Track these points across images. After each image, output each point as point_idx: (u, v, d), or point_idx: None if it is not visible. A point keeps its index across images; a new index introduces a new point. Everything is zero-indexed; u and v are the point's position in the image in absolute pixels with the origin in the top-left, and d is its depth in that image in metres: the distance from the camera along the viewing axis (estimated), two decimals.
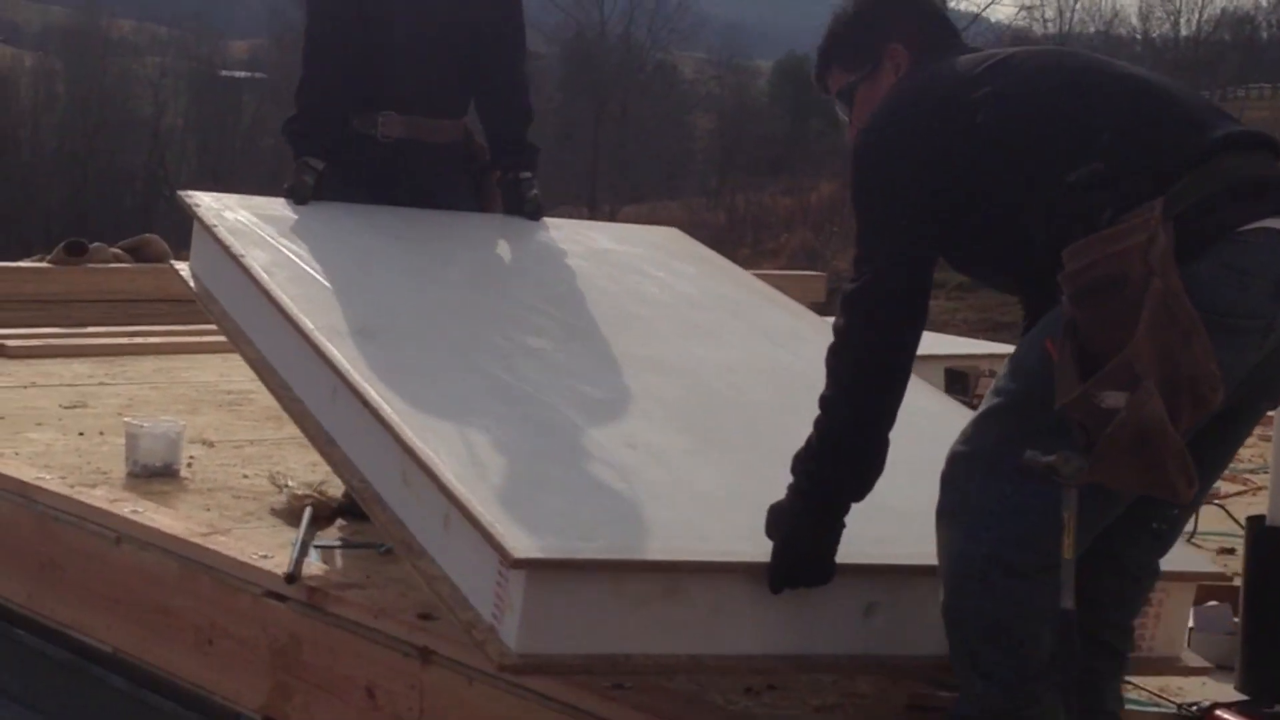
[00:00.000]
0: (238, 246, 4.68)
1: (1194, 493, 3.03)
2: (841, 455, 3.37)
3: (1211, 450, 3.30)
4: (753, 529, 3.49)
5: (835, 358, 3.38)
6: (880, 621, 3.55)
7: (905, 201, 3.38)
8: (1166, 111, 3.30)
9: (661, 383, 4.35)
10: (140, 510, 5.17)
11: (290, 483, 5.37)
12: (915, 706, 3.77)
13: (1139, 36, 56.99)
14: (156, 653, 4.95)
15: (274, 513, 5.26)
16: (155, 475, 5.68)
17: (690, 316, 4.94)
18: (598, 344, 4.55)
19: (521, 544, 3.27)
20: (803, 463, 3.41)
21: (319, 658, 4.38)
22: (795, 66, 55.33)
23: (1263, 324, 3.14)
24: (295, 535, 4.82)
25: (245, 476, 5.87)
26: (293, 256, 4.69)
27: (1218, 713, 3.88)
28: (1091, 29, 57.63)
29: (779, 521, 3.43)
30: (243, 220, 4.94)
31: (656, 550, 3.39)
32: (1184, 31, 56.64)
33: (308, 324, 4.24)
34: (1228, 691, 4.07)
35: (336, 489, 5.09)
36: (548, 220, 5.50)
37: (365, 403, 3.90)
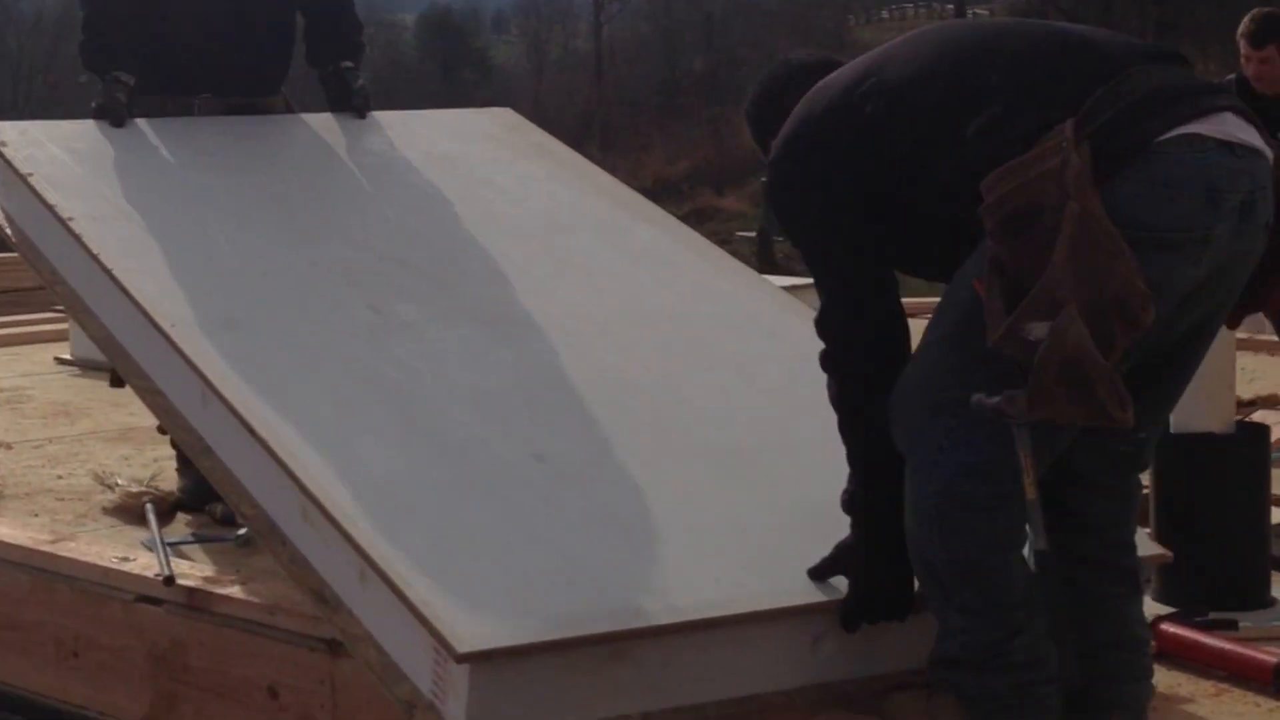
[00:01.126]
0: (64, 207, 4.33)
1: (1129, 416, 2.91)
2: (879, 475, 3.28)
3: (1172, 371, 3.28)
4: (688, 557, 3.40)
5: (833, 385, 3.33)
6: (828, 649, 3.44)
7: (830, 218, 3.29)
8: (1063, 44, 3.21)
9: (546, 352, 4.13)
10: None
11: (120, 481, 5.12)
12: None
13: None
14: (12, 670, 4.66)
15: (108, 513, 5.00)
16: None
17: (557, 247, 4.67)
18: (469, 303, 4.29)
19: (464, 635, 3.09)
20: (851, 497, 3.34)
21: (208, 661, 4.16)
22: (440, 19, 53.93)
23: (1199, 235, 3.04)
24: (148, 535, 4.58)
25: (60, 478, 5.58)
26: (123, 214, 4.38)
27: (1161, 626, 3.90)
28: None
29: (852, 562, 3.35)
30: (58, 158, 4.57)
31: (600, 616, 3.23)
32: None
33: (163, 318, 3.95)
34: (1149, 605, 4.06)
35: (168, 482, 4.97)
36: (376, 116, 5.16)
37: (248, 427, 3.66)
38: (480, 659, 3.08)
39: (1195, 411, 4.27)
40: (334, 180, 4.86)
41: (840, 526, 3.39)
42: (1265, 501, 4.37)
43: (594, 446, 3.79)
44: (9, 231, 4.62)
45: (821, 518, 3.50)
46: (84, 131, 4.79)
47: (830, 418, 3.34)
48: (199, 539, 4.62)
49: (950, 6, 40.58)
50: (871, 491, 3.31)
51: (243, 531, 4.43)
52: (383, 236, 4.53)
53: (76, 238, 4.22)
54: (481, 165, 5.06)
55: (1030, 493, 3.00)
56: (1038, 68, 3.14)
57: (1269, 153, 3.11)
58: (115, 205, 4.41)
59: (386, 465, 3.61)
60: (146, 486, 4.98)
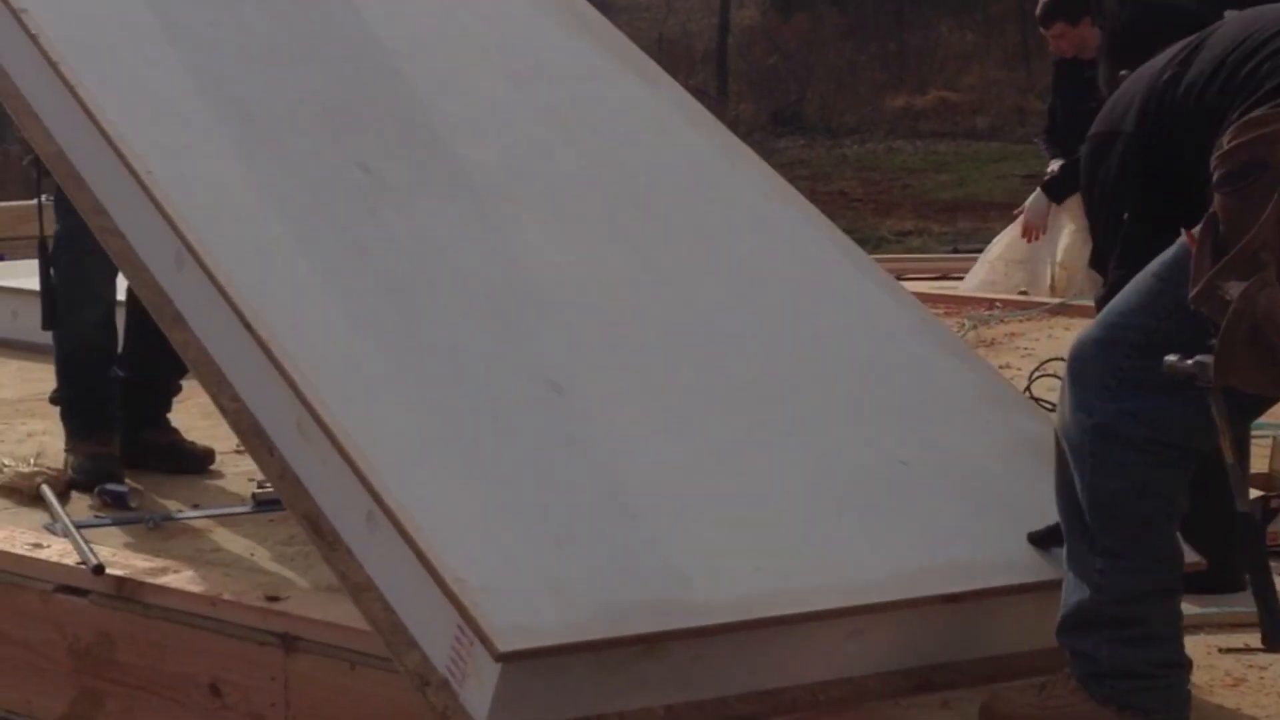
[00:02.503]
0: (30, 11, 3.83)
1: None
2: None
3: None
4: (729, 538, 3.14)
5: None
6: (858, 645, 3.24)
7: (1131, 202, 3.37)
8: None
9: (548, 244, 3.76)
10: None
11: (5, 461, 4.63)
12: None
13: None
14: None
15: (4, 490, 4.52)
16: None
17: (554, 105, 4.23)
18: (462, 168, 3.88)
19: (504, 631, 2.79)
20: None
21: (139, 656, 3.81)
22: None
23: None
24: (48, 519, 4.20)
25: None
26: (87, 13, 3.86)
27: None
28: None
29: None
30: None
31: (640, 611, 2.95)
32: None
33: (137, 160, 3.53)
34: None
35: (49, 460, 4.60)
36: None
37: (237, 312, 3.28)
38: (519, 658, 2.80)
39: None
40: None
41: (898, 494, 3.30)
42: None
43: (614, 378, 3.45)
44: None
45: (876, 484, 3.37)
46: None
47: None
48: (114, 521, 4.25)
49: None
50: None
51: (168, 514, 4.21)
52: (359, 70, 4.07)
53: (31, 36, 3.72)
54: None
55: (1229, 455, 2.90)
56: None
57: None
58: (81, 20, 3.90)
59: (393, 382, 3.26)
60: (37, 466, 4.55)
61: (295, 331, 3.25)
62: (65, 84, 3.65)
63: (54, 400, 4.77)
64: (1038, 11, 8.80)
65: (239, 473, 4.82)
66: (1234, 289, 2.74)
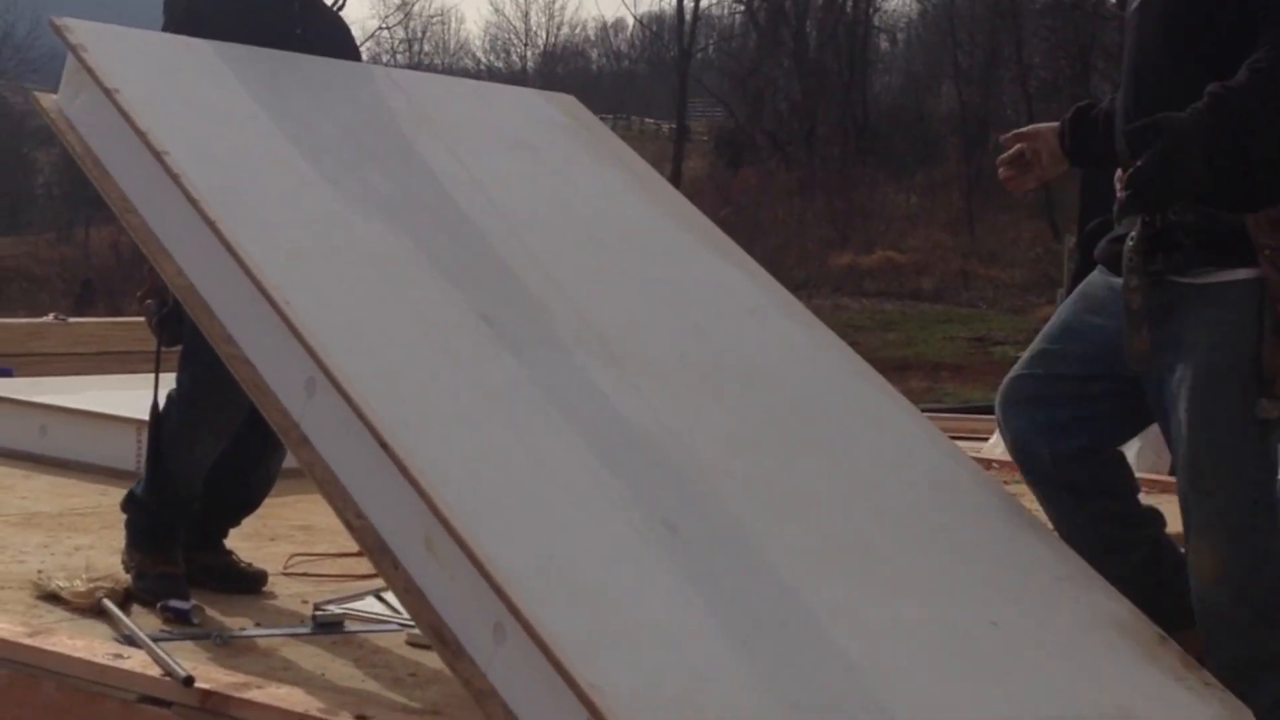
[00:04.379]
0: (158, 136, 4.00)
1: None
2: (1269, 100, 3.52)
3: None
4: (829, 677, 3.23)
5: None
6: None
7: None
8: None
9: (664, 399, 3.92)
10: None
11: (60, 581, 4.72)
12: None
13: (484, 68, 55.87)
14: None
15: (60, 603, 4.62)
16: None
17: (647, 274, 4.45)
18: (579, 325, 4.06)
19: None
20: (1223, 100, 3.53)
21: None
22: None
23: None
24: (118, 631, 4.29)
25: None
26: (220, 154, 4.08)
27: None
28: (438, 61, 55.47)
29: (1175, 130, 3.51)
30: (145, 75, 4.23)
31: None
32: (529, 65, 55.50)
33: (275, 290, 3.67)
34: None
35: (95, 571, 4.74)
36: (443, 80, 4.89)
37: (373, 430, 3.41)
38: None
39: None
40: (420, 149, 4.54)
41: (994, 653, 3.40)
42: None
43: (725, 527, 3.59)
44: (70, 140, 4.25)
45: (972, 643, 3.46)
46: (172, 47, 4.44)
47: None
48: (181, 635, 4.34)
49: None
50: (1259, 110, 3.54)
51: (234, 632, 4.27)
52: (477, 230, 4.27)
53: (174, 177, 3.90)
54: (564, 162, 4.80)
55: None
56: None
57: None
58: (210, 141, 4.09)
59: (522, 508, 3.39)
60: (93, 580, 4.67)
61: (427, 456, 3.37)
62: (206, 220, 3.81)
63: (126, 509, 4.86)
64: None
65: (291, 594, 4.93)
66: None
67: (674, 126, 46.57)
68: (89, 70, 4.16)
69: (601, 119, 5.46)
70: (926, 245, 35.62)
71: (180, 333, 4.68)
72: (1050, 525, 4.04)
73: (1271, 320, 3.53)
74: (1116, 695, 3.47)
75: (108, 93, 4.10)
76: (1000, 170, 4.27)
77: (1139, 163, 3.56)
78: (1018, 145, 4.20)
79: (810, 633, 3.35)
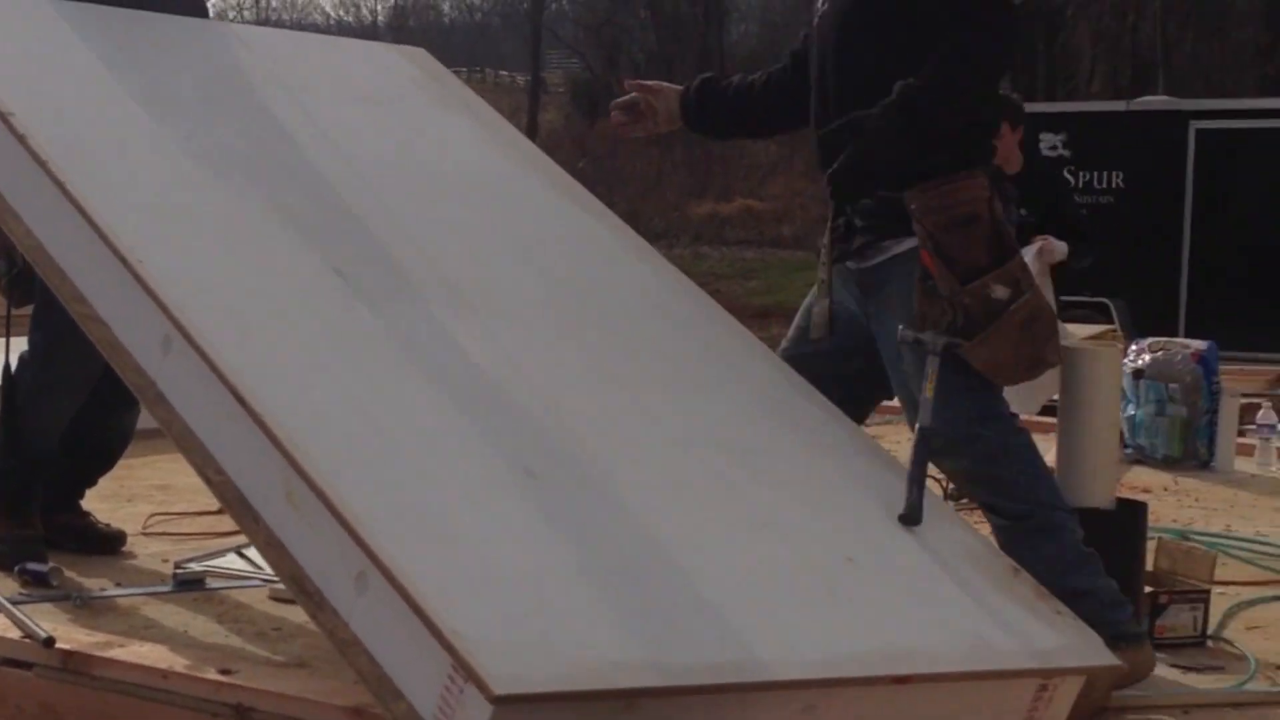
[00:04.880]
0: (21, 121, 3.93)
1: (1059, 358, 4.25)
2: (951, 97, 4.04)
3: None
4: (696, 608, 3.30)
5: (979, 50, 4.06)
6: (819, 716, 3.40)
7: None
8: None
9: (514, 344, 3.95)
10: None
11: None
12: None
13: (334, 23, 55.44)
14: None
15: None
16: None
17: (498, 223, 4.48)
18: (429, 274, 4.08)
19: (501, 675, 2.93)
20: (914, 91, 3.98)
21: None
22: None
23: None
24: None
25: None
26: (65, 112, 4.05)
27: None
28: (286, 17, 54.90)
29: (869, 127, 4.01)
30: None
31: (622, 669, 3.09)
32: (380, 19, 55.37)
33: (127, 248, 3.66)
34: None
35: None
36: (292, 35, 4.88)
37: (229, 386, 3.42)
38: (511, 701, 2.94)
39: (1081, 487, 4.40)
40: (272, 105, 4.53)
41: (847, 586, 3.50)
42: (1140, 574, 4.53)
43: (581, 469, 3.64)
44: None
45: (827, 576, 3.53)
46: (12, 5, 4.40)
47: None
48: (40, 598, 4.34)
49: None
50: (941, 99, 4.02)
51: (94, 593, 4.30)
52: (328, 184, 4.27)
53: (19, 137, 3.87)
54: (414, 114, 4.80)
55: (929, 392, 4.00)
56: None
57: None
58: (56, 100, 4.06)
59: (381, 459, 3.41)
60: None
61: (284, 409, 3.39)
62: (54, 180, 3.79)
63: None
64: None
65: (150, 554, 4.95)
66: (1000, 290, 4.01)
67: (529, 79, 46.40)
68: None
69: (455, 72, 5.48)
70: (786, 193, 35.79)
71: (31, 293, 4.65)
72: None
73: (921, 271, 4.07)
74: (974, 625, 3.56)
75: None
76: (613, 114, 4.69)
77: (838, 161, 4.08)
78: (634, 95, 4.61)
79: (668, 571, 3.40)
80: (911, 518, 3.83)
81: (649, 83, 4.67)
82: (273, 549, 3.37)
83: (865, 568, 3.65)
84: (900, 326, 4.07)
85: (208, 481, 3.52)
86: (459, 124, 4.87)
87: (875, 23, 4.16)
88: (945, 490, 5.81)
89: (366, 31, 49.65)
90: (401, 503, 3.29)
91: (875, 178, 4.11)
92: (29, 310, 4.71)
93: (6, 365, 4.70)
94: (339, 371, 3.62)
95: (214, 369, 3.45)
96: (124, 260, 3.65)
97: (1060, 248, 8.87)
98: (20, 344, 4.74)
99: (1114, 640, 3.83)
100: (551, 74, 50.17)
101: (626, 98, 4.64)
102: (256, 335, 3.61)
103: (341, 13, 58.22)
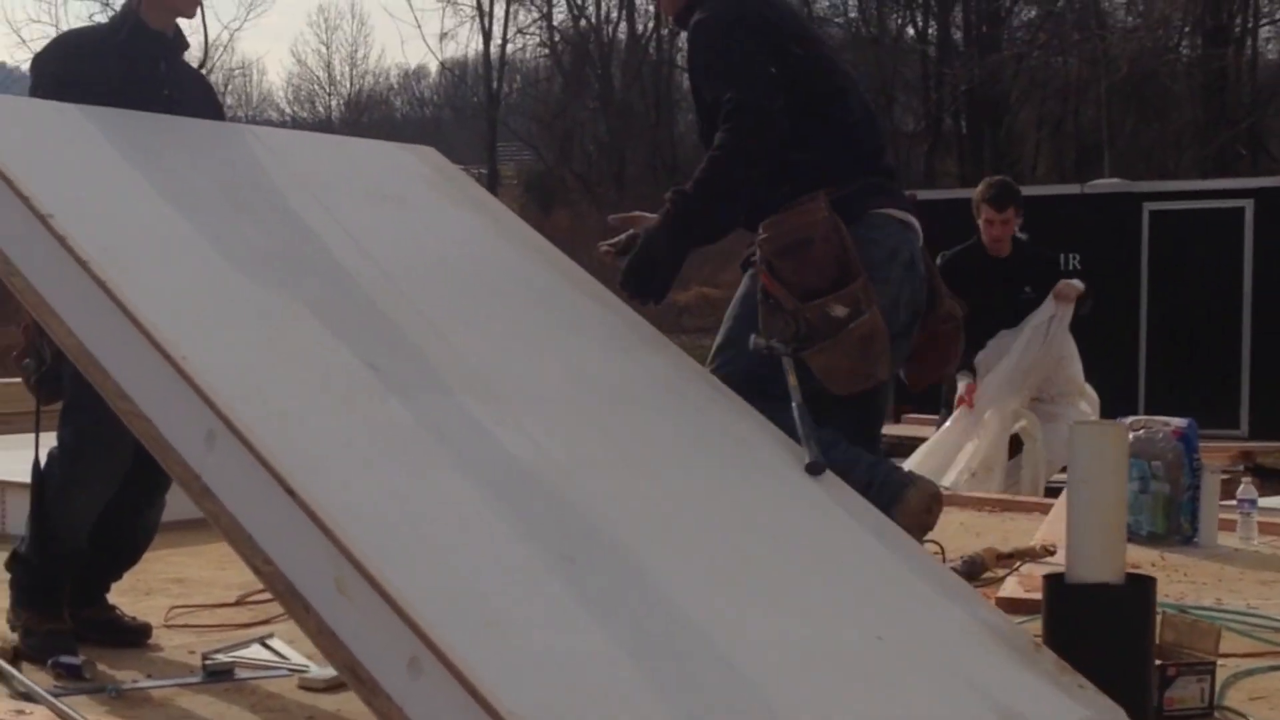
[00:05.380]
0: (41, 200, 4.06)
1: (889, 374, 4.94)
2: (720, 197, 4.81)
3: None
4: (733, 692, 3.39)
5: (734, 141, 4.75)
6: None
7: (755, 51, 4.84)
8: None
9: (543, 434, 4.05)
10: None
11: None
12: None
13: (289, 118, 56.05)
14: None
15: None
16: None
17: (520, 317, 4.59)
18: (459, 368, 4.19)
19: None
20: (686, 199, 4.80)
21: None
22: None
23: (882, 277, 4.83)
24: (20, 686, 4.37)
25: None
26: (104, 213, 4.15)
27: None
28: (242, 113, 55.49)
29: (650, 236, 4.87)
30: (26, 140, 4.29)
31: None
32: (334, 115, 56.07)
33: (171, 345, 3.76)
34: None
35: None
36: (310, 137, 5.00)
37: (278, 478, 3.51)
38: None
39: (1091, 562, 4.48)
40: (294, 203, 4.65)
41: (879, 665, 3.57)
42: (1151, 647, 4.61)
43: (616, 553, 3.73)
44: None
45: (858, 655, 3.63)
46: (44, 112, 4.50)
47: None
48: (76, 690, 4.41)
49: None
50: (712, 205, 4.82)
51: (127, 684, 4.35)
52: (353, 280, 4.38)
53: (59, 239, 3.97)
54: (429, 211, 4.92)
55: (796, 395, 4.52)
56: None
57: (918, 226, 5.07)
58: (90, 202, 4.16)
59: (425, 546, 3.50)
60: None
61: (330, 499, 3.48)
62: (95, 280, 3.88)
63: (10, 568, 4.89)
64: (991, 193, 9.20)
65: (176, 645, 5.02)
66: (839, 310, 4.62)
67: (483, 171, 46.58)
68: (14, 191, 4.19)
69: None
70: (739, 280, 36.10)
71: (59, 390, 4.73)
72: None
73: (761, 291, 4.77)
74: (1002, 700, 3.66)
75: (52, 230, 4.11)
76: (603, 248, 5.24)
77: (625, 264, 4.90)
78: (625, 233, 5.17)
79: (705, 650, 3.49)
80: (816, 468, 4.31)
81: (629, 215, 5.21)
82: (324, 636, 3.44)
83: (896, 645, 3.75)
84: (753, 336, 4.73)
85: (257, 571, 3.59)
86: (472, 220, 4.99)
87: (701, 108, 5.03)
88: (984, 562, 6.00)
89: (321, 126, 49.81)
90: (449, 589, 3.38)
91: (657, 278, 4.92)
92: (57, 408, 4.78)
93: (36, 462, 4.77)
94: (379, 462, 3.71)
95: (260, 461, 3.54)
96: (167, 356, 3.73)
97: (1076, 283, 9.17)
98: (49, 440, 4.81)
99: (904, 482, 4.73)
100: (505, 166, 50.38)
101: (618, 239, 5.16)
102: (298, 427, 3.70)
103: (296, 108, 58.38)
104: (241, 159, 4.77)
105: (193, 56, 5.15)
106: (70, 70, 4.78)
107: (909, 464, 9.04)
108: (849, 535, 4.17)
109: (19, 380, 4.88)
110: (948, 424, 9.51)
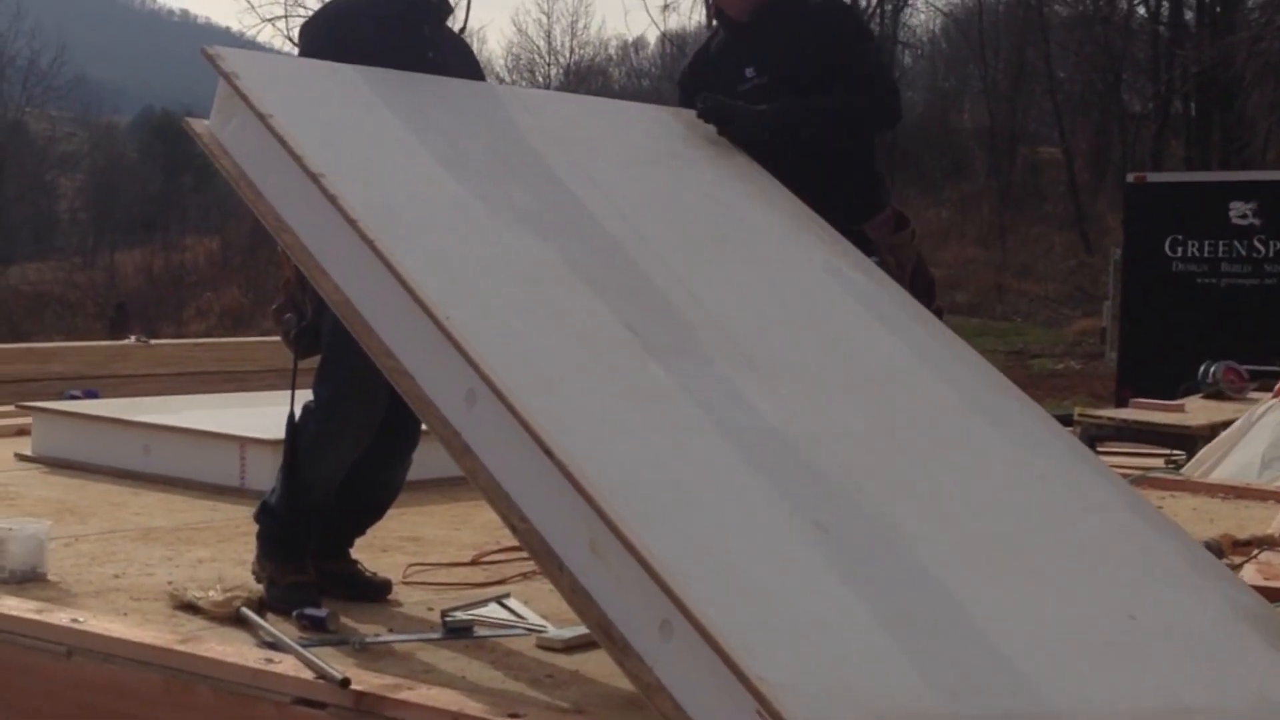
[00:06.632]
0: (312, 160, 4.15)
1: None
2: (815, 125, 5.22)
3: None
4: (987, 659, 3.39)
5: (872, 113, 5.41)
6: None
7: None
8: None
9: (808, 406, 4.07)
10: (81, 619, 4.60)
11: (196, 591, 4.91)
12: None
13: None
14: None
15: (198, 613, 4.81)
16: (24, 580, 5.16)
17: (795, 292, 4.62)
18: (725, 336, 4.22)
19: (801, 718, 3.04)
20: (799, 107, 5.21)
21: None
22: (163, 123, 53.96)
23: None
24: (258, 639, 4.46)
25: (116, 576, 5.44)
26: (373, 175, 4.24)
27: None
28: None
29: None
30: (298, 99, 4.41)
31: (914, 714, 3.22)
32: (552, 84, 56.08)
33: (435, 304, 3.83)
34: None
35: (230, 583, 4.92)
36: (588, 100, 5.05)
37: (537, 439, 3.57)
38: None
39: None
40: (556, 165, 4.71)
41: (1129, 643, 3.56)
42: None
43: (870, 524, 3.74)
44: (224, 163, 4.42)
45: (1110, 632, 3.61)
46: (318, 72, 4.61)
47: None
48: (321, 642, 4.48)
49: None
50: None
51: (370, 637, 4.45)
52: (614, 243, 4.43)
53: (330, 198, 4.06)
54: (688, 173, 4.98)
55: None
56: None
57: None
58: (361, 161, 4.25)
59: (682, 511, 3.54)
60: (230, 589, 4.84)
61: (588, 461, 3.53)
62: (364, 239, 3.97)
63: (259, 519, 5.02)
64: None
65: (415, 602, 5.12)
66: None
67: None
68: (243, 96, 4.33)
69: None
70: (959, 260, 35.72)
71: (315, 345, 4.84)
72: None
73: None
74: (1255, 682, 3.62)
75: (261, 118, 4.27)
76: None
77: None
78: None
79: (959, 623, 3.51)
80: None
81: None
82: (578, 596, 3.51)
83: (1147, 625, 3.72)
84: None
85: (512, 529, 3.66)
86: (732, 183, 5.00)
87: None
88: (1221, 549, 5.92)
89: None
90: (703, 554, 3.42)
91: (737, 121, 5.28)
92: (314, 362, 4.89)
93: (291, 415, 4.88)
94: (637, 426, 3.75)
95: (520, 421, 3.60)
96: (431, 315, 3.81)
97: None
98: (304, 395, 4.92)
99: None
100: None
101: None
102: (558, 388, 3.75)
103: (515, 76, 58.79)
104: (504, 120, 4.83)
105: (452, 20, 5.23)
106: (339, 31, 4.87)
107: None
108: (1104, 512, 4.13)
109: (254, 339, 4.99)
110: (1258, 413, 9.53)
